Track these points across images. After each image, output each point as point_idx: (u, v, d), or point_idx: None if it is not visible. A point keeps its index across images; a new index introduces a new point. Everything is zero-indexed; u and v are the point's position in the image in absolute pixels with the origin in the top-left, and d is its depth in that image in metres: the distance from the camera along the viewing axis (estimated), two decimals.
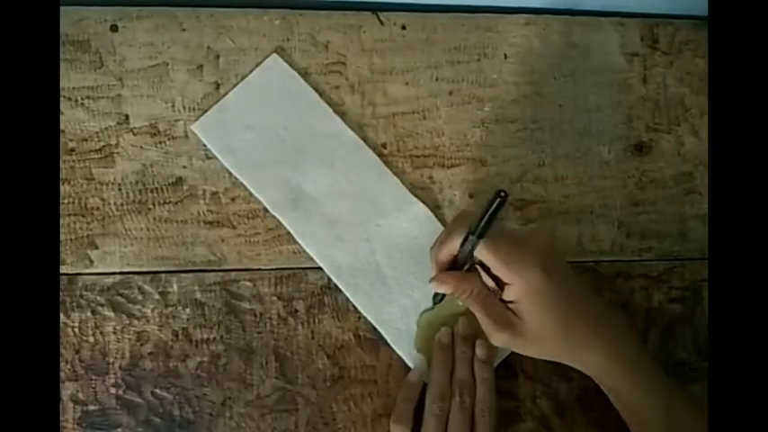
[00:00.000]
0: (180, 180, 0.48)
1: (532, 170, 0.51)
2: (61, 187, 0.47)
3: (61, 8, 0.46)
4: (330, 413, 0.47)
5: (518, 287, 0.40)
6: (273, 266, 0.48)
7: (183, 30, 0.49)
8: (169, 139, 0.48)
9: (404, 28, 0.51)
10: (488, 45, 0.52)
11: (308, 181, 0.49)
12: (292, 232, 0.48)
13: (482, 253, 0.40)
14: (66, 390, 0.46)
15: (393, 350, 0.48)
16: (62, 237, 0.46)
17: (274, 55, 0.49)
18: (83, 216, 0.47)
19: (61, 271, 0.46)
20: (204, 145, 0.48)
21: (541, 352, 0.43)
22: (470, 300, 0.42)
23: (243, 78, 0.49)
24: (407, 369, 0.47)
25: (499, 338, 0.41)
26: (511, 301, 0.41)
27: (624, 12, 0.54)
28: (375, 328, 0.48)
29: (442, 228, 0.49)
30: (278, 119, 0.49)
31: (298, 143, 0.49)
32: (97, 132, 0.48)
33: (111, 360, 0.46)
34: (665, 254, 0.52)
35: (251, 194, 0.48)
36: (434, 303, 0.48)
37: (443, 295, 0.47)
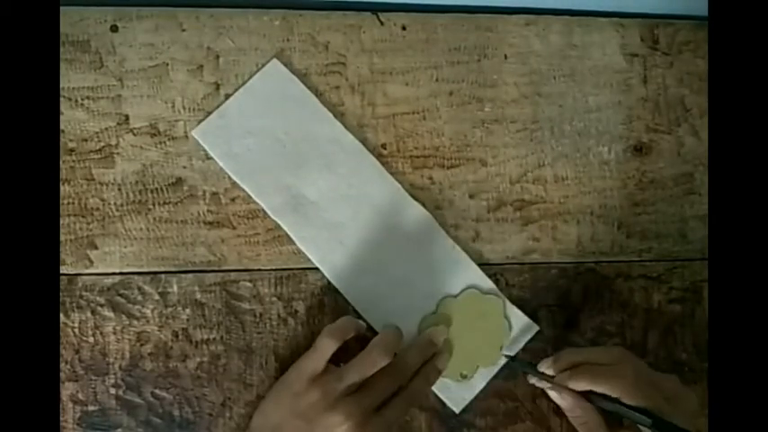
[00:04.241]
0: (180, 180, 0.48)
1: (532, 170, 0.51)
2: (61, 187, 0.47)
3: (61, 8, 0.45)
4: None
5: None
6: (273, 267, 0.48)
7: (183, 30, 0.49)
8: (169, 139, 0.48)
9: (404, 28, 0.51)
10: (488, 45, 0.52)
11: (309, 186, 0.49)
12: (293, 237, 0.48)
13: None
14: (66, 390, 0.46)
15: None
16: (62, 237, 0.46)
17: (275, 60, 0.49)
18: (83, 216, 0.47)
19: (61, 271, 0.46)
20: None
21: None
22: (577, 424, 0.45)
23: (243, 79, 0.49)
24: None
25: None
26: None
27: (624, 12, 0.54)
28: (375, 330, 0.48)
29: (443, 231, 0.49)
30: (278, 124, 0.49)
31: (298, 148, 0.49)
32: (97, 132, 0.48)
33: (111, 360, 0.46)
34: (665, 254, 0.52)
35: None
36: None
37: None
